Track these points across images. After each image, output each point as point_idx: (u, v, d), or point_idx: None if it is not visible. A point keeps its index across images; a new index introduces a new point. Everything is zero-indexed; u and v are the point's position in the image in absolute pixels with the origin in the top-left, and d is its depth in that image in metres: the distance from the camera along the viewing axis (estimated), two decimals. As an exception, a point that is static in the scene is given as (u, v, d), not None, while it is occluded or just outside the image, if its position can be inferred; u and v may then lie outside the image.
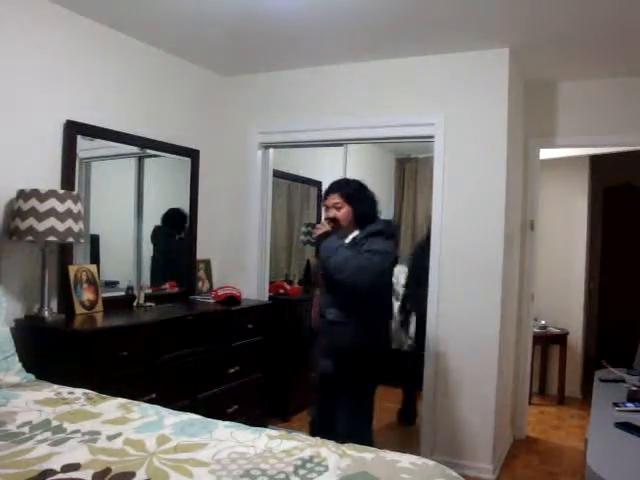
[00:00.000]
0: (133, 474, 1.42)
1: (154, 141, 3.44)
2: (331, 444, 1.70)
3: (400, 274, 5.87)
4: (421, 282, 3.54)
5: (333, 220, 2.73)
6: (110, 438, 1.66)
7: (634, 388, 2.25)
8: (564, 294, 5.09)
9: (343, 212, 2.74)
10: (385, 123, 3.54)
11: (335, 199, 2.75)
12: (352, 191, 2.76)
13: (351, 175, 4.16)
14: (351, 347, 2.63)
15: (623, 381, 2.46)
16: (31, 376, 2.28)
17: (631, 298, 5.74)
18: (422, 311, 3.52)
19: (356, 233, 2.72)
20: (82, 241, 2.78)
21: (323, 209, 2.85)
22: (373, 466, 1.54)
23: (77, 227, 2.65)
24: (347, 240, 2.71)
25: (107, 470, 1.44)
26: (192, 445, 1.63)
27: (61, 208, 2.57)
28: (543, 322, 4.84)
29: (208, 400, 3.09)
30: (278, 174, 4.32)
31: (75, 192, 2.80)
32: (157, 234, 3.61)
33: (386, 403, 4.38)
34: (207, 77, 3.94)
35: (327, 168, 4.57)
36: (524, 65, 3.51)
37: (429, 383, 3.43)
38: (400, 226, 6.85)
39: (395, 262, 2.80)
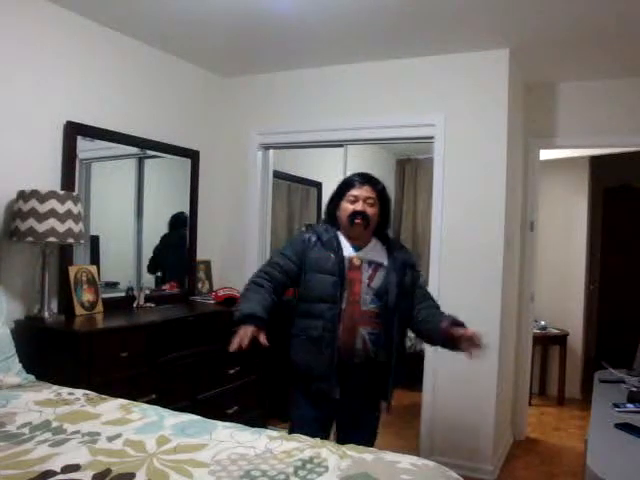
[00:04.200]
0: (133, 475, 1.42)
1: (154, 142, 3.44)
2: (331, 445, 1.70)
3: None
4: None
5: (364, 217, 2.26)
6: (110, 439, 1.66)
7: (634, 389, 2.25)
8: (564, 295, 5.08)
9: (374, 212, 2.30)
10: (385, 124, 3.55)
11: (370, 192, 2.29)
12: (383, 190, 2.36)
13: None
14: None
15: (623, 382, 2.46)
16: (31, 377, 2.28)
17: (631, 298, 5.74)
18: None
19: (375, 243, 2.35)
20: (82, 242, 2.79)
21: (347, 201, 2.30)
22: (373, 467, 1.53)
23: (77, 228, 2.65)
24: (369, 250, 2.32)
25: (107, 471, 1.44)
26: (192, 446, 1.63)
27: (61, 209, 2.57)
28: (543, 323, 4.84)
29: (208, 401, 3.09)
30: (278, 175, 4.32)
31: (75, 193, 2.80)
32: (168, 239, 3.69)
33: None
34: (207, 78, 3.94)
35: (327, 169, 4.58)
36: (524, 66, 3.52)
37: (429, 383, 3.43)
38: (400, 227, 6.87)
39: None
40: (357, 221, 2.26)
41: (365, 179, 2.33)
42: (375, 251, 2.33)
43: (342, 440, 2.22)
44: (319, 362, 2.23)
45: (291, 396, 2.38)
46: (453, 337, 2.17)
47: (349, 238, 2.32)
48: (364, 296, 2.24)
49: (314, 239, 2.30)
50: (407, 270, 2.33)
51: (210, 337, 3.17)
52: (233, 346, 2.13)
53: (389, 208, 2.38)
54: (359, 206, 2.26)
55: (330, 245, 2.27)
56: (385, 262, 2.30)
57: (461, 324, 2.23)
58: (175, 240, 3.78)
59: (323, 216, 2.45)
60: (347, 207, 2.28)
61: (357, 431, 2.33)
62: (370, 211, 2.27)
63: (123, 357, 2.58)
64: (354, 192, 2.29)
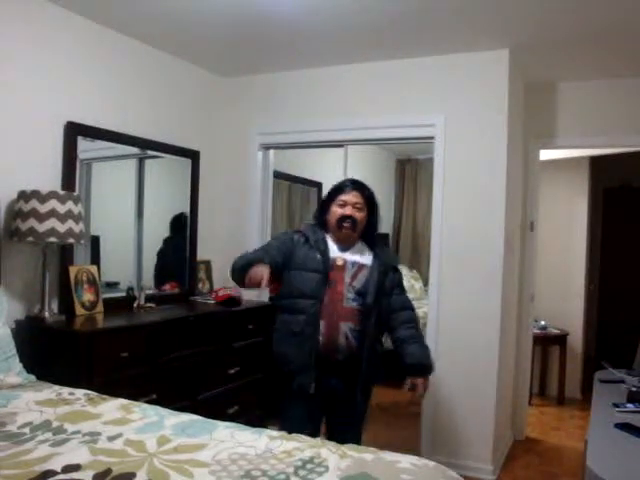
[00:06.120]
0: (133, 475, 1.43)
1: (155, 142, 3.44)
2: (331, 445, 1.70)
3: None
4: None
5: (352, 221, 2.40)
6: (111, 439, 1.66)
7: (634, 389, 2.25)
8: (564, 295, 5.09)
9: (362, 216, 2.44)
10: (385, 124, 3.55)
11: (358, 198, 2.43)
12: (371, 196, 2.50)
13: (351, 176, 4.15)
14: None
15: (623, 382, 2.46)
16: (32, 377, 2.28)
17: (631, 298, 5.74)
18: None
19: (361, 245, 2.49)
20: (83, 242, 2.79)
21: (336, 205, 2.43)
22: (373, 467, 1.54)
23: (78, 228, 2.65)
24: (354, 251, 2.45)
25: (108, 471, 1.44)
26: (192, 446, 1.63)
27: (62, 209, 2.57)
28: (543, 323, 4.84)
29: (209, 401, 3.09)
30: (278, 175, 4.32)
31: (76, 193, 2.81)
32: (168, 244, 3.69)
33: (384, 403, 4.39)
34: (207, 78, 3.95)
35: (327, 169, 4.58)
36: (524, 66, 3.52)
37: (429, 383, 3.43)
38: (400, 227, 6.87)
39: None
40: (345, 225, 2.40)
41: (355, 185, 2.48)
42: (360, 252, 2.47)
43: (331, 432, 2.52)
44: (299, 356, 2.35)
45: (278, 397, 2.49)
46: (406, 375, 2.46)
47: (336, 240, 2.45)
48: (346, 294, 2.36)
49: (302, 240, 2.44)
50: (389, 272, 2.48)
51: (210, 337, 3.17)
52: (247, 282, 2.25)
53: (377, 213, 2.53)
54: (348, 210, 2.41)
55: (317, 245, 2.40)
56: (369, 263, 2.44)
57: (424, 370, 2.50)
58: (178, 242, 3.77)
59: (313, 219, 2.57)
60: (336, 211, 2.43)
61: (345, 424, 2.48)
62: (358, 215, 2.42)
63: (123, 357, 2.58)
64: (343, 197, 2.43)
